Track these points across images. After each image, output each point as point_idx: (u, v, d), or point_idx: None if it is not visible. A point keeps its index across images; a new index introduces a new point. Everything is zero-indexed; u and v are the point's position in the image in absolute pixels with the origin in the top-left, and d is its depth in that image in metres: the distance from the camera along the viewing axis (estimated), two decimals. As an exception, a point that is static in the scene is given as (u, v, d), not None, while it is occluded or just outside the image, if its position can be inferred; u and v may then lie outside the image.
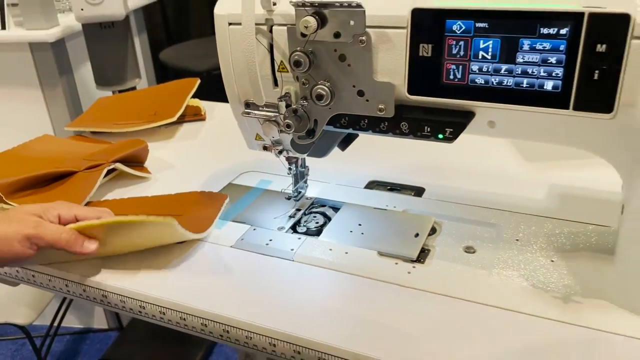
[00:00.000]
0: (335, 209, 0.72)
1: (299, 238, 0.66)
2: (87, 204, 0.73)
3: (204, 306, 0.56)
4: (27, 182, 0.72)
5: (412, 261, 0.61)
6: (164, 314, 0.57)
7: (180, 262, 0.62)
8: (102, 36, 1.50)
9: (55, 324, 1.63)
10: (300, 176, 0.70)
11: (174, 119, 0.95)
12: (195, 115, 1.02)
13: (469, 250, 0.62)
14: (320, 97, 0.54)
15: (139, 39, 1.82)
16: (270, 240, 0.66)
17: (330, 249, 0.63)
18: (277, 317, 0.54)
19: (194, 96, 1.04)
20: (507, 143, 0.88)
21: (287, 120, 0.56)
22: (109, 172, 0.79)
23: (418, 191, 0.76)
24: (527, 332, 0.50)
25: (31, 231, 0.55)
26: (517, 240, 0.63)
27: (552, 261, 0.59)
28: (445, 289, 0.56)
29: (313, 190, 0.76)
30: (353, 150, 0.91)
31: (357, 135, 0.65)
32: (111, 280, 0.60)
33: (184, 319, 0.56)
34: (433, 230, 0.66)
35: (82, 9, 1.31)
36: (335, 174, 0.80)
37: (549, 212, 0.68)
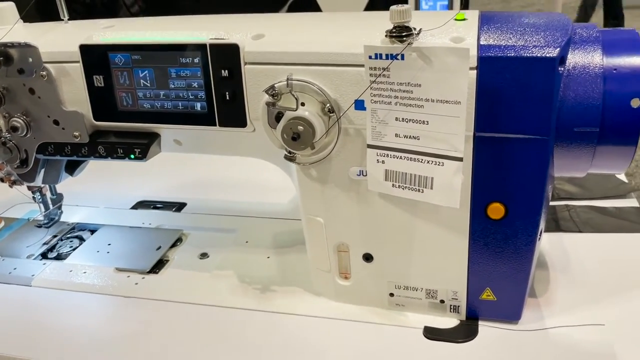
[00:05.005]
0: (94, 232, 0.75)
1: (44, 263, 0.68)
2: None
3: None
4: None
5: (147, 272, 0.66)
6: None
7: None
8: None
9: None
10: (52, 203, 0.73)
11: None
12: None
13: (203, 256, 0.68)
14: (15, 129, 0.57)
15: None
16: (15, 268, 0.68)
17: (71, 271, 0.67)
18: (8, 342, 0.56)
19: None
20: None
21: (-6, 153, 0.59)
22: None
23: (180, 207, 0.81)
24: (225, 323, 0.57)
25: None
26: (246, 242, 0.70)
27: (268, 257, 0.67)
28: (165, 295, 0.61)
29: (77, 216, 0.78)
30: (125, 173, 0.94)
31: (84, 160, 0.69)
32: None
33: None
34: (180, 241, 0.72)
35: None
36: (106, 197, 0.84)
37: (283, 214, 0.76)
